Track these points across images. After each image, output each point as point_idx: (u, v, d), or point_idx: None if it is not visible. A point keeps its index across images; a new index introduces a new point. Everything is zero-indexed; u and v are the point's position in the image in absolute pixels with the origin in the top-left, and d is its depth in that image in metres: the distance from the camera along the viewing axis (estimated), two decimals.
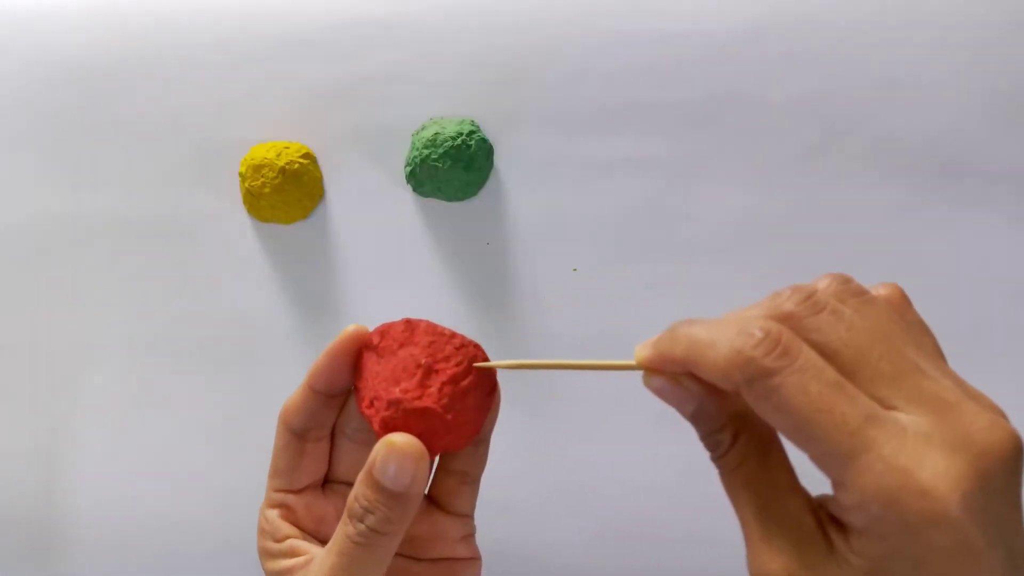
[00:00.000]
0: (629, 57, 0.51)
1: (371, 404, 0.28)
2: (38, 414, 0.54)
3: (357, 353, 0.29)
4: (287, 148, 0.51)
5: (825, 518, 0.22)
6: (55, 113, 0.53)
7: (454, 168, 0.50)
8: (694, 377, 0.24)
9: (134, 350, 0.53)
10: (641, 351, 0.25)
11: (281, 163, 0.50)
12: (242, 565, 0.53)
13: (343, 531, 0.27)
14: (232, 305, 0.53)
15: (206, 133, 0.52)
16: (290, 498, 0.30)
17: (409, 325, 0.28)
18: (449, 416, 0.27)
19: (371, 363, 0.28)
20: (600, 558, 0.52)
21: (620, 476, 0.51)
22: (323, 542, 0.30)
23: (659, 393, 0.25)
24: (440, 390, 0.27)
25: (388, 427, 0.27)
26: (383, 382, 0.27)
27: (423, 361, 0.27)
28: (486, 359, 0.28)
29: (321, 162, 0.52)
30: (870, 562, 0.21)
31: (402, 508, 0.26)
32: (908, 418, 0.21)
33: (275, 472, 0.30)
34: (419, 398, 0.27)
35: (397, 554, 0.30)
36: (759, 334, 0.21)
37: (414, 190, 0.52)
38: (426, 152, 0.50)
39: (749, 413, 0.24)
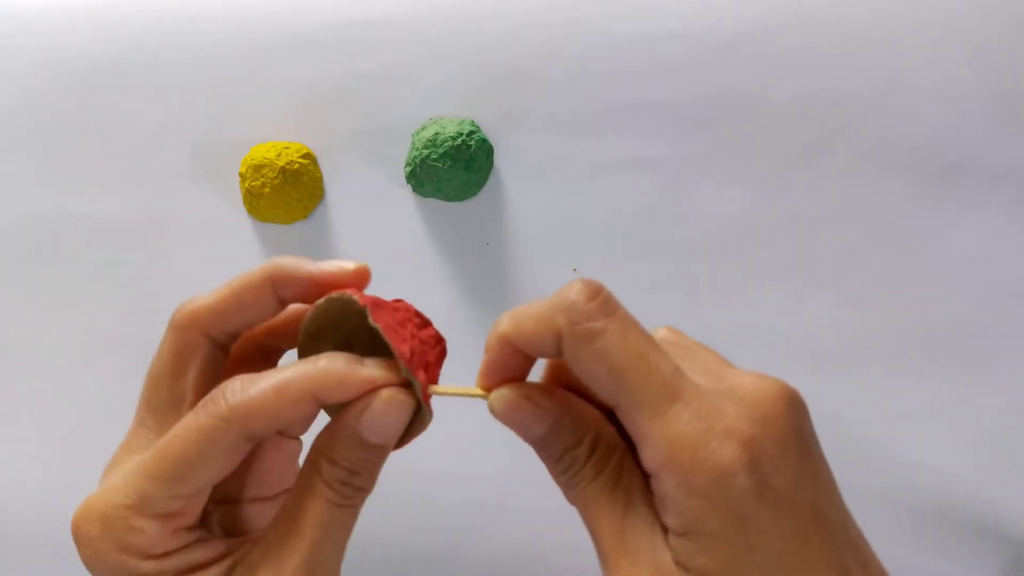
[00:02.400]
0: (629, 57, 0.51)
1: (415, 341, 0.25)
2: (38, 414, 0.54)
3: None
4: (287, 148, 0.51)
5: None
6: (55, 113, 0.53)
7: (454, 168, 0.50)
8: (544, 391, 0.23)
9: (134, 350, 0.53)
10: (479, 377, 0.24)
11: (281, 163, 0.50)
12: None
13: (322, 498, 0.23)
14: None
15: (206, 133, 0.52)
16: (190, 503, 0.24)
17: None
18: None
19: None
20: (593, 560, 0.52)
21: None
22: (219, 500, 0.26)
23: (509, 413, 0.23)
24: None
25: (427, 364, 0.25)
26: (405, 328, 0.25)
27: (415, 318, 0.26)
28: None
29: (321, 162, 0.52)
30: (689, 540, 0.21)
31: (382, 459, 0.24)
32: (703, 382, 0.22)
33: (169, 471, 0.24)
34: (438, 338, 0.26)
35: (248, 501, 0.28)
36: (580, 285, 0.22)
37: (414, 190, 0.52)
38: (426, 152, 0.50)
39: (601, 425, 0.24)
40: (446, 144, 0.49)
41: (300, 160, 0.51)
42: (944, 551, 0.51)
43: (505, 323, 0.23)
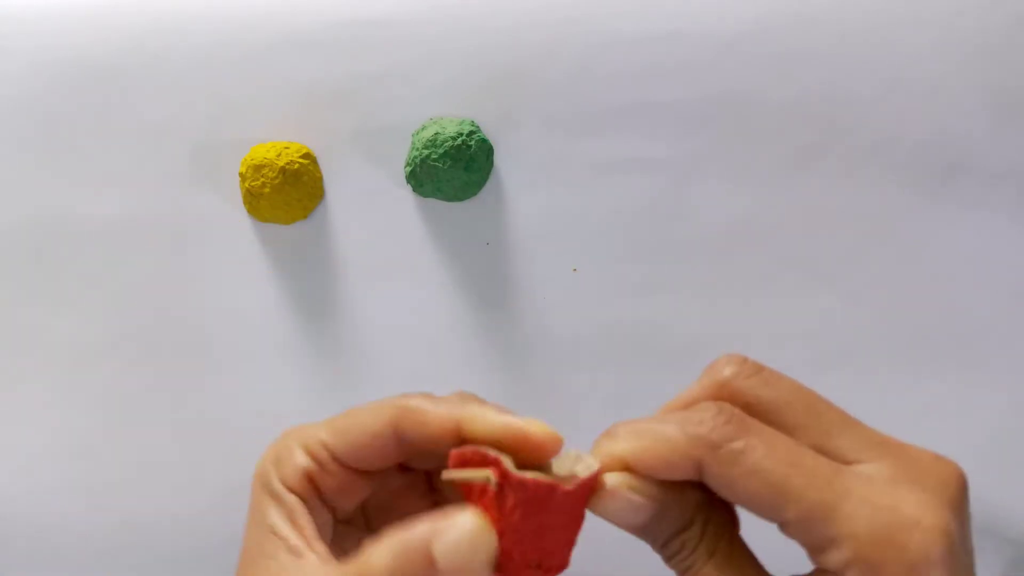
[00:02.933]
0: (629, 57, 0.51)
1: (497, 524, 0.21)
2: (37, 414, 0.54)
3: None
4: (287, 148, 0.51)
5: None
6: (55, 113, 0.53)
7: (454, 168, 0.50)
8: (645, 479, 0.22)
9: (134, 350, 0.53)
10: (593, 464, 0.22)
11: (281, 163, 0.50)
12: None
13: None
14: (232, 305, 0.53)
15: (206, 133, 0.52)
16: (331, 464, 0.24)
17: (551, 492, 0.21)
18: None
19: (510, 507, 0.21)
20: (601, 560, 0.52)
21: None
22: (337, 519, 0.25)
23: (616, 509, 0.22)
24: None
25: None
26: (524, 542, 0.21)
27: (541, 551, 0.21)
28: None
29: (321, 162, 0.52)
30: None
31: None
32: (869, 466, 0.21)
33: (336, 429, 0.24)
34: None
35: (354, 525, 0.26)
36: (710, 409, 0.21)
37: (414, 190, 0.52)
38: (426, 152, 0.50)
39: (707, 502, 0.22)
40: (446, 144, 0.49)
41: (300, 160, 0.51)
42: None
43: (624, 444, 0.22)
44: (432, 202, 0.52)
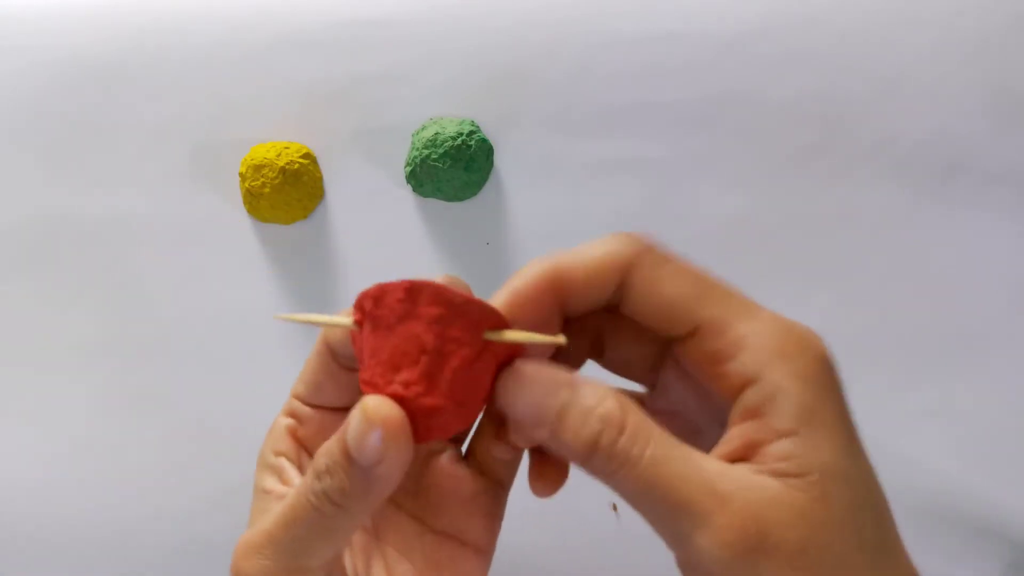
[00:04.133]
0: (629, 57, 0.51)
1: (367, 384, 0.23)
2: (38, 414, 0.54)
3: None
4: (287, 148, 0.51)
5: None
6: (55, 113, 0.53)
7: (454, 168, 0.50)
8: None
9: (134, 350, 0.53)
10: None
11: (281, 163, 0.50)
12: None
13: (303, 483, 0.22)
14: (232, 305, 0.53)
15: (206, 133, 0.52)
16: (305, 411, 0.26)
17: (411, 292, 0.22)
18: (462, 408, 0.22)
19: (367, 332, 0.23)
20: (593, 561, 0.52)
21: None
22: None
23: (533, 379, 0.21)
24: (452, 381, 0.22)
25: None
26: (380, 365, 0.22)
27: (429, 345, 0.22)
28: (505, 326, 0.23)
29: (321, 162, 0.52)
30: None
31: (364, 485, 0.21)
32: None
33: (300, 379, 0.26)
34: (425, 393, 0.22)
35: (403, 509, 0.26)
36: (631, 233, 0.23)
37: (414, 190, 0.52)
38: (426, 152, 0.50)
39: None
40: (446, 144, 0.49)
41: (300, 160, 0.51)
42: (944, 551, 0.51)
43: (555, 259, 0.22)
44: (432, 202, 0.52)
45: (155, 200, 0.53)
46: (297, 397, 0.26)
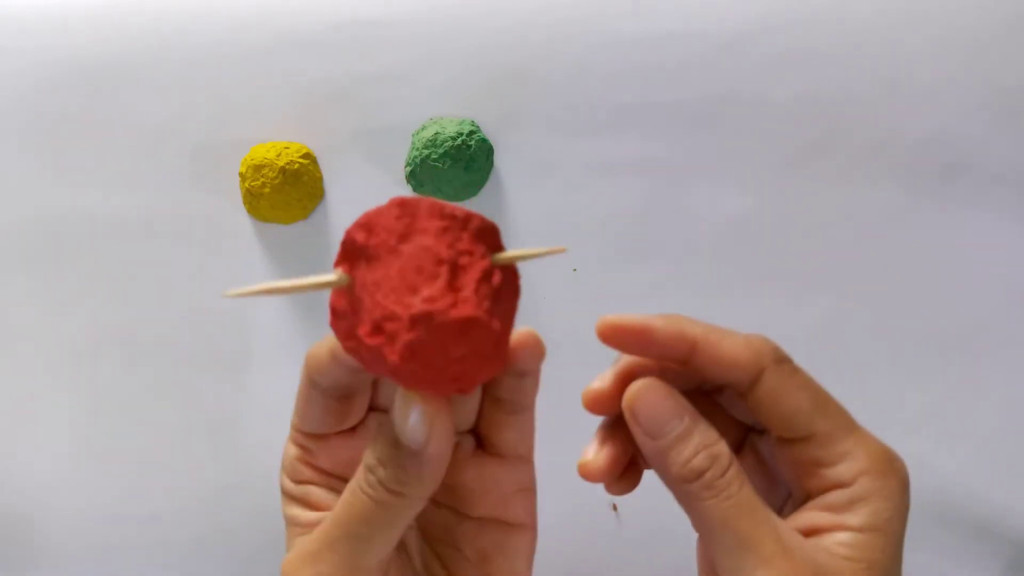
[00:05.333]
0: (629, 57, 0.51)
1: (378, 330, 0.20)
2: (38, 414, 0.54)
3: None
4: (287, 148, 0.51)
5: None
6: (55, 113, 0.53)
7: (454, 168, 0.50)
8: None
9: (134, 350, 0.53)
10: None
11: (281, 163, 0.50)
12: (238, 561, 0.53)
13: (354, 479, 0.23)
14: (232, 305, 0.53)
15: (206, 133, 0.52)
16: (310, 442, 0.26)
17: (406, 208, 0.20)
18: (495, 324, 0.20)
19: (363, 272, 0.20)
20: (593, 560, 0.52)
21: None
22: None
23: (650, 399, 0.24)
24: (477, 291, 0.20)
25: (416, 355, 0.20)
26: (392, 293, 0.20)
27: (444, 254, 0.20)
28: (503, 247, 0.21)
29: (321, 162, 0.52)
30: None
31: (418, 469, 0.22)
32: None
33: (295, 410, 0.26)
34: (455, 305, 0.19)
35: (442, 506, 0.27)
36: (767, 338, 0.25)
37: (414, 190, 0.52)
38: (426, 152, 0.50)
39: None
40: (446, 144, 0.49)
41: (300, 160, 0.51)
42: (944, 551, 0.51)
43: (701, 327, 0.25)
44: None
45: (155, 200, 0.53)
46: (297, 429, 0.26)
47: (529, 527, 0.27)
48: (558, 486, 0.53)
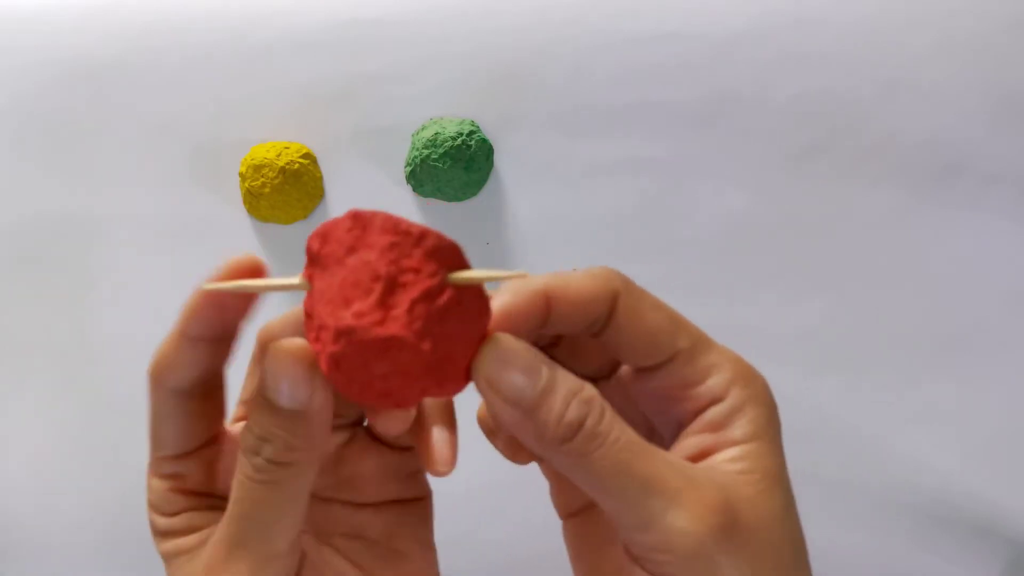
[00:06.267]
0: (629, 57, 0.51)
1: (316, 338, 0.20)
2: (38, 414, 0.54)
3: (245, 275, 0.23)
4: (287, 148, 0.51)
5: None
6: (55, 113, 0.53)
7: (454, 168, 0.50)
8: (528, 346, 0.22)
9: (134, 350, 0.53)
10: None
11: (281, 163, 0.50)
12: None
13: (240, 472, 0.22)
14: None
15: (206, 133, 0.52)
16: (179, 465, 0.24)
17: (358, 220, 0.20)
18: (425, 345, 0.20)
19: (315, 279, 0.21)
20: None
21: None
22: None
23: (511, 358, 0.21)
24: (410, 310, 0.19)
25: (339, 367, 0.20)
26: (328, 304, 0.20)
27: (382, 271, 0.20)
28: (466, 266, 0.21)
29: (321, 162, 0.52)
30: None
31: (306, 429, 0.21)
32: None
33: (155, 438, 0.24)
34: (380, 323, 0.19)
35: (333, 501, 0.26)
36: (608, 268, 0.24)
37: (414, 190, 0.52)
38: (426, 152, 0.50)
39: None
40: (446, 144, 0.49)
41: (300, 160, 0.51)
42: (944, 551, 0.51)
43: (545, 278, 0.23)
44: (432, 202, 0.52)
45: (155, 200, 0.53)
46: (159, 457, 0.24)
47: (425, 496, 0.27)
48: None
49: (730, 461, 0.22)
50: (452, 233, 0.53)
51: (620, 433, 0.21)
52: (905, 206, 0.51)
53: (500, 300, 0.22)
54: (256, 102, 0.52)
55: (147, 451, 0.25)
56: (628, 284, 0.24)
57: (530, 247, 0.52)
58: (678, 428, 0.24)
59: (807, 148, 0.51)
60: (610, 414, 0.21)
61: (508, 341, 0.21)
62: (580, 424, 0.20)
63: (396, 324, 0.19)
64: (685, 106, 0.51)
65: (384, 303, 0.20)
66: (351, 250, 0.20)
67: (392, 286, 0.20)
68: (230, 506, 0.22)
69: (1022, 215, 0.50)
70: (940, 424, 0.51)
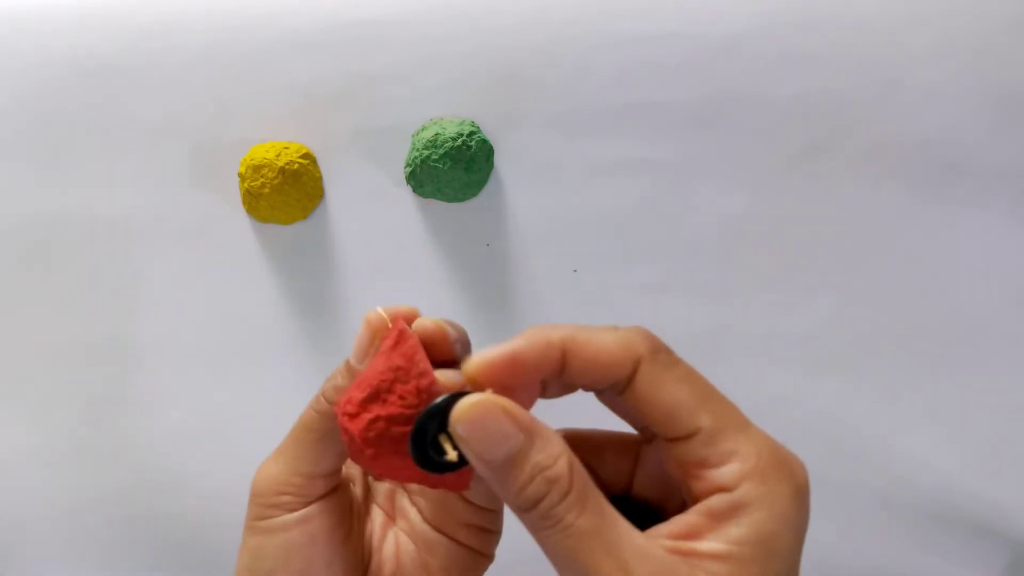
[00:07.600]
0: (629, 57, 0.51)
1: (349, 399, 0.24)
2: (38, 414, 0.54)
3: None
4: (287, 148, 0.51)
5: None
6: (54, 113, 0.53)
7: (454, 169, 0.50)
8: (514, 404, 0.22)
9: (134, 350, 0.53)
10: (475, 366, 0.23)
11: (281, 163, 0.50)
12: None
13: (309, 403, 0.26)
14: (232, 305, 0.53)
15: (206, 133, 0.52)
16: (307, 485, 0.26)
17: (401, 336, 0.24)
18: (369, 452, 0.23)
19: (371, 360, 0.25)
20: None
21: None
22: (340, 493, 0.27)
23: (482, 420, 0.21)
24: (373, 421, 0.22)
25: (345, 431, 0.24)
26: (357, 382, 0.24)
27: (376, 381, 0.23)
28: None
29: (321, 162, 0.52)
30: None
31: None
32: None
33: (292, 457, 0.26)
34: (352, 416, 0.23)
35: (415, 505, 0.29)
36: (640, 329, 0.23)
37: (414, 191, 0.52)
38: (426, 153, 0.50)
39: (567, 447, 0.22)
40: (446, 145, 0.49)
41: (300, 160, 0.51)
42: (944, 551, 0.51)
43: (567, 330, 0.22)
44: (432, 203, 0.52)
45: (155, 200, 0.53)
46: (299, 474, 0.27)
47: (488, 557, 0.29)
48: None
49: (711, 558, 0.21)
50: (452, 234, 0.54)
51: (575, 518, 0.21)
52: (906, 206, 0.51)
53: (510, 344, 0.22)
54: (255, 102, 0.52)
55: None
56: (655, 351, 0.22)
57: (530, 248, 0.52)
58: (690, 498, 0.23)
59: (807, 148, 0.51)
60: (574, 496, 0.21)
61: (489, 401, 0.21)
62: (537, 501, 0.21)
63: (358, 424, 0.23)
64: (685, 106, 0.51)
65: (366, 405, 0.23)
66: (381, 354, 0.24)
67: (376, 396, 0.23)
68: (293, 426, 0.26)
69: (1023, 214, 0.50)
70: (940, 424, 0.51)
